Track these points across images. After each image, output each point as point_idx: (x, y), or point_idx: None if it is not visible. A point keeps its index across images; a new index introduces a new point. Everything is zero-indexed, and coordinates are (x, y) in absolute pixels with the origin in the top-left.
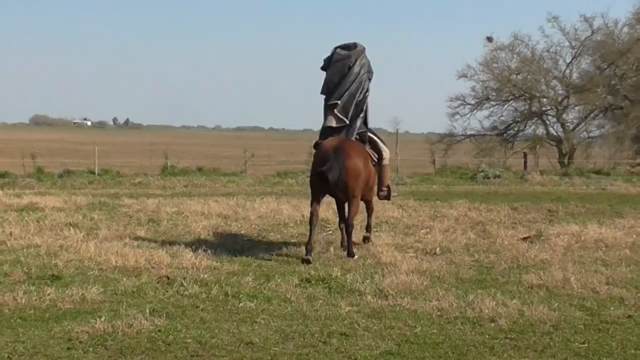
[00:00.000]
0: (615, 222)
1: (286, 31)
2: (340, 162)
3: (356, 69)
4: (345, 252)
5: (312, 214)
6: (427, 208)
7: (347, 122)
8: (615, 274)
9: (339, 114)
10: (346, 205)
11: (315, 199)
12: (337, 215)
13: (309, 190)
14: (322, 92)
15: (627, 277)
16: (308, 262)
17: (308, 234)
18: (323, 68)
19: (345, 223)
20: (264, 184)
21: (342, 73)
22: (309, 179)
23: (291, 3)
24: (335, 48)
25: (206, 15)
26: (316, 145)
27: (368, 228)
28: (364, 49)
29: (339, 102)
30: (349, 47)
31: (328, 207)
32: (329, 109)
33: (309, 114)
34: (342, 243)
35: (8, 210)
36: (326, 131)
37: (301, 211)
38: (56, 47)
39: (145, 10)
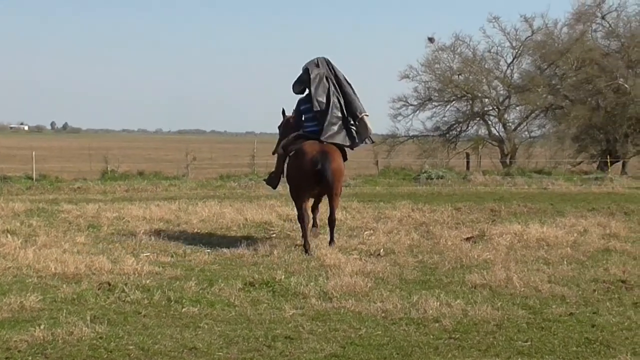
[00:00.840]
0: (556, 221)
1: (229, 32)
2: (329, 163)
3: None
4: (329, 242)
5: (303, 214)
6: (371, 209)
7: (357, 141)
8: (557, 272)
9: (353, 130)
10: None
11: (303, 200)
12: (310, 211)
13: (292, 193)
14: (316, 109)
15: (569, 275)
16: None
17: (302, 233)
18: (301, 91)
19: (332, 219)
20: (206, 188)
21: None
22: (289, 181)
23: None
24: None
25: (148, 15)
26: (285, 149)
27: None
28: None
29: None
30: (317, 65)
31: (271, 211)
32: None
33: (251, 117)
34: (307, 234)
35: None
36: (299, 137)
37: (244, 214)
38: None
39: (80, 9)
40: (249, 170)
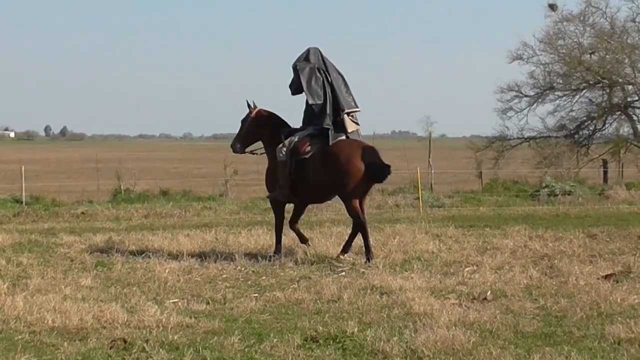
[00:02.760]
0: None
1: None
2: (381, 161)
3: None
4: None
5: (361, 214)
6: (474, 238)
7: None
8: None
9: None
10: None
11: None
12: (294, 215)
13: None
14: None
15: None
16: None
17: (365, 238)
18: (296, 90)
19: (364, 221)
20: (251, 211)
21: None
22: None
23: None
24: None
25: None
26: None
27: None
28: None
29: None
30: (307, 58)
31: (339, 241)
32: (345, 116)
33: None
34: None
35: None
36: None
37: (302, 246)
38: None
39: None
40: None
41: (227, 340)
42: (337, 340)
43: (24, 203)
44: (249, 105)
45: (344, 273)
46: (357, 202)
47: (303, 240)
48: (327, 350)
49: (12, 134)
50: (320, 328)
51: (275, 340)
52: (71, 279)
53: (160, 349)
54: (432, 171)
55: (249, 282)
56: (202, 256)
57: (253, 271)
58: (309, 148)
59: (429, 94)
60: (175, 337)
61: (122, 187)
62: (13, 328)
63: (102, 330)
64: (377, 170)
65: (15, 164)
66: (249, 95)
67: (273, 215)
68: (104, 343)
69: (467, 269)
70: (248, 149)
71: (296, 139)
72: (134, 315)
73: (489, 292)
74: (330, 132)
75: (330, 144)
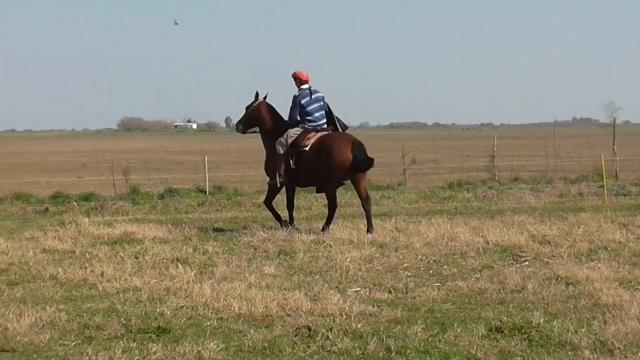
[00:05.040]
0: None
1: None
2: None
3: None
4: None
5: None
6: None
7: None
8: None
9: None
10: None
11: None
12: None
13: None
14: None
15: None
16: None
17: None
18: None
19: (369, 201)
20: (430, 200)
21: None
22: (334, 166)
23: None
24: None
25: None
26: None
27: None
28: None
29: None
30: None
31: (521, 230)
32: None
33: (486, 104)
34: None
35: (97, 244)
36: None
37: (484, 235)
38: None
39: None
40: (487, 176)
41: (410, 330)
42: (523, 330)
43: (207, 193)
44: (256, 96)
45: (527, 263)
46: (335, 189)
47: (291, 221)
48: (513, 340)
49: (194, 126)
50: (505, 318)
51: (459, 330)
52: (255, 267)
53: (344, 337)
54: (617, 158)
55: (431, 271)
56: (382, 245)
57: (434, 260)
58: (307, 142)
59: (612, 79)
60: (359, 326)
61: None
62: (201, 314)
63: (287, 317)
64: (362, 162)
65: (199, 155)
66: (427, 84)
67: (266, 194)
68: (288, 330)
69: None
70: (249, 130)
71: (295, 134)
72: (317, 304)
73: None
74: (339, 126)
75: (326, 137)
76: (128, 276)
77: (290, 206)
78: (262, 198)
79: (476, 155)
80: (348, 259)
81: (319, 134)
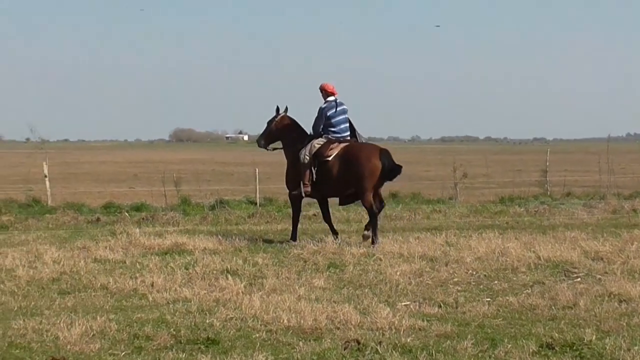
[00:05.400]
0: None
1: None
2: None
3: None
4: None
5: (374, 205)
6: None
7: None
8: None
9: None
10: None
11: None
12: (322, 212)
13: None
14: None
15: None
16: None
17: (374, 226)
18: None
19: (377, 212)
20: (481, 214)
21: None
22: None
23: None
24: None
25: None
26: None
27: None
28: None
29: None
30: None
31: (573, 246)
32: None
33: (538, 119)
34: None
35: (148, 254)
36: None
37: (535, 250)
38: (200, 52)
39: None
40: (539, 191)
41: (460, 345)
42: (574, 347)
43: (258, 204)
44: (277, 110)
45: (579, 279)
46: (370, 196)
47: (334, 232)
48: (564, 357)
49: (245, 137)
50: (556, 335)
51: (510, 346)
52: (305, 280)
53: (394, 351)
54: None
55: (481, 286)
56: (432, 259)
57: (485, 275)
58: (331, 152)
59: None
60: (408, 340)
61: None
62: (250, 326)
63: (336, 330)
64: (391, 169)
65: (249, 166)
66: (480, 98)
67: (291, 209)
68: (337, 344)
69: None
70: (270, 146)
71: (318, 144)
72: (367, 317)
73: None
74: (358, 137)
75: (351, 146)
76: (178, 287)
77: (327, 219)
78: (313, 211)
79: (528, 170)
80: (398, 273)
81: (342, 144)
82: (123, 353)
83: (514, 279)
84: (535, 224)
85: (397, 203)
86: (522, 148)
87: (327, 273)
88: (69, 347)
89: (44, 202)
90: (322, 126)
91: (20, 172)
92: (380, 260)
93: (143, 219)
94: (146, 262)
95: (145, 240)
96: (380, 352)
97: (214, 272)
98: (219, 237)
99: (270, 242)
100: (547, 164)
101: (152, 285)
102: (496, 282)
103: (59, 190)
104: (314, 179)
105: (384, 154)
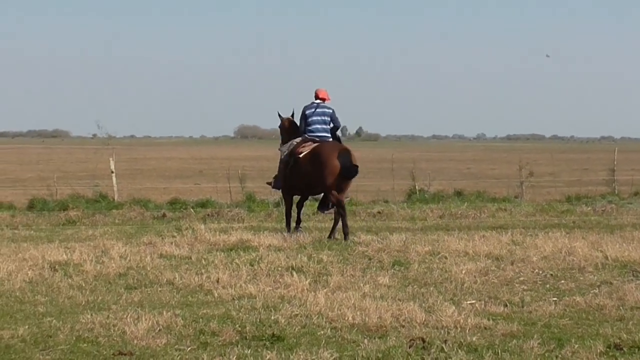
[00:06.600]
0: None
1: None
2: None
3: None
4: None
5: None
6: None
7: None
8: None
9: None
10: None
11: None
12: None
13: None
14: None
15: None
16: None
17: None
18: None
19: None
20: (547, 213)
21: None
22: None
23: None
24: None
25: None
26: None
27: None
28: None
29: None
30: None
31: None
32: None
33: (606, 117)
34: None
35: (213, 250)
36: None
37: (603, 250)
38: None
39: None
40: (606, 190)
41: (526, 344)
42: None
43: None
44: (280, 116)
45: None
46: (336, 193)
47: (298, 222)
48: (632, 358)
49: None
50: (624, 335)
51: (577, 346)
52: (369, 277)
53: (459, 350)
54: None
55: (547, 286)
56: (498, 258)
57: (551, 274)
58: (302, 150)
59: None
60: (474, 339)
61: (416, 187)
62: (315, 323)
63: (401, 328)
64: (347, 169)
65: None
66: (546, 96)
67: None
68: (402, 342)
69: None
70: None
71: (296, 142)
72: (432, 315)
73: None
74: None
75: (318, 146)
76: (243, 283)
77: (299, 207)
78: (377, 208)
79: (595, 168)
80: (463, 271)
81: (314, 144)
82: (189, 348)
83: (581, 278)
84: (603, 223)
85: (462, 201)
86: (589, 147)
87: (392, 271)
88: (135, 341)
89: (111, 197)
90: (304, 125)
91: (87, 167)
92: (446, 258)
93: (208, 215)
94: (211, 258)
95: (211, 237)
96: (446, 350)
97: (279, 268)
98: (284, 234)
99: (335, 239)
100: (615, 162)
101: (218, 282)
102: (563, 281)
103: (125, 185)
104: (288, 176)
105: (342, 153)
